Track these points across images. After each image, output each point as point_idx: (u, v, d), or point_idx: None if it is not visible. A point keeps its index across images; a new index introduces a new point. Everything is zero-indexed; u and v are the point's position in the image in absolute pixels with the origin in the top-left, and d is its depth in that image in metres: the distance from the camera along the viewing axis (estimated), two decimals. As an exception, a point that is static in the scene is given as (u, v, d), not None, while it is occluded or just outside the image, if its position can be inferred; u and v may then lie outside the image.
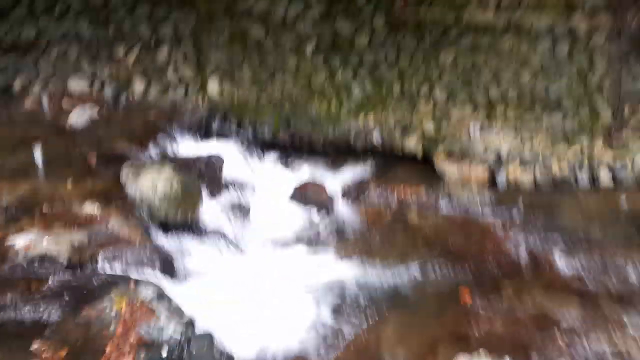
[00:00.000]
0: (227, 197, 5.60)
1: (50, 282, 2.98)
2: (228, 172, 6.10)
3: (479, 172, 6.81)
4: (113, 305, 2.74)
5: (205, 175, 5.44)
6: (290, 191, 6.17)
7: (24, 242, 3.24)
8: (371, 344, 3.94)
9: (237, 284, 4.27)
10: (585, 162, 6.84)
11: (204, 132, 6.97)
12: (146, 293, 2.96)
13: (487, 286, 4.67)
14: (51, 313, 2.71)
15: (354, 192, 6.58)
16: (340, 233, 5.67)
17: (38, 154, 4.90)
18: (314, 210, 5.96)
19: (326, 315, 4.21)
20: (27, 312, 2.73)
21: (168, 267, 3.93)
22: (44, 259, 3.14)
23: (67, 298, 2.85)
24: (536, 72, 6.99)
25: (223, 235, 4.82)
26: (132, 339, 2.62)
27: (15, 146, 5.36)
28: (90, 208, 3.96)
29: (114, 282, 3.04)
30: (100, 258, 3.43)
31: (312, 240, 5.43)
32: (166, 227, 4.37)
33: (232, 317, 3.87)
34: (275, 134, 7.45)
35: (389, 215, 6.11)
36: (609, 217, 6.13)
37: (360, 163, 7.14)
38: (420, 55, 7.20)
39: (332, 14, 7.55)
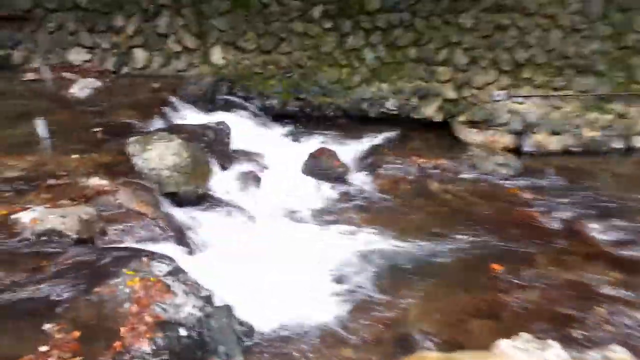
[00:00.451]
0: (237, 168, 5.32)
1: (60, 258, 2.74)
2: (237, 143, 5.82)
3: (504, 140, 6.51)
4: (126, 282, 2.51)
5: (214, 145, 5.15)
6: (303, 160, 5.88)
7: (31, 216, 2.99)
8: (398, 317, 3.67)
9: (251, 255, 4.03)
10: (620, 127, 6.51)
11: (209, 102, 6.66)
12: (160, 268, 2.72)
13: (517, 258, 4.37)
14: (62, 291, 2.48)
15: (370, 161, 6.30)
16: (356, 203, 5.38)
17: (41, 127, 4.63)
18: (328, 180, 5.69)
19: (347, 287, 3.95)
20: (37, 290, 2.50)
21: (181, 239, 3.69)
22: (52, 233, 2.90)
23: (78, 275, 2.61)
24: (567, 33, 6.55)
25: (235, 207, 4.57)
26: (148, 317, 2.39)
27: (18, 119, 5.10)
28: (98, 181, 3.70)
29: (126, 257, 2.80)
30: (110, 232, 3.20)
31: (326, 211, 5.14)
32: (177, 199, 4.12)
33: (250, 287, 3.65)
34: (284, 103, 7.17)
35: (408, 185, 5.82)
36: None
37: (375, 132, 6.87)
38: (438, 17, 6.77)
39: (342, -26, 7.11)
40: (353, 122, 7.20)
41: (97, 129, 4.74)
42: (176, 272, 2.81)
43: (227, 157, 5.39)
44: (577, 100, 6.54)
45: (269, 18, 7.01)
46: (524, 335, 2.99)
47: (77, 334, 2.23)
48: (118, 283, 2.52)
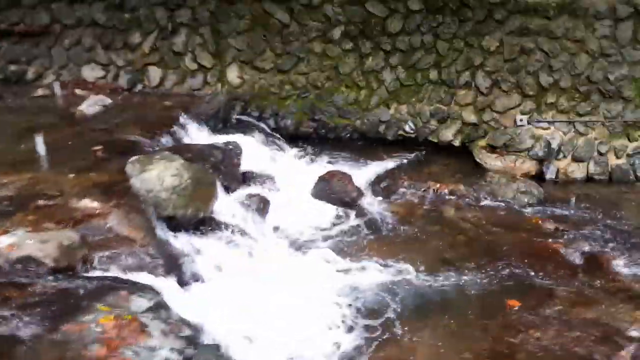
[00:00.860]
0: (245, 190, 5.10)
1: (31, 288, 2.52)
2: (247, 164, 5.61)
3: (525, 166, 6.22)
4: (98, 320, 2.26)
5: (222, 167, 4.95)
6: (314, 182, 5.64)
7: (9, 241, 2.80)
8: (404, 356, 3.40)
9: (253, 287, 3.77)
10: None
11: (222, 121, 6.53)
12: (140, 303, 2.47)
13: (537, 294, 4.09)
14: (26, 328, 2.24)
15: (385, 186, 6.03)
16: (369, 230, 5.12)
17: (41, 143, 4.51)
18: (340, 204, 5.41)
19: (351, 325, 3.68)
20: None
21: (174, 269, 3.45)
22: (28, 261, 2.70)
23: (47, 309, 2.38)
24: (594, 57, 6.24)
25: (239, 233, 4.32)
26: (117, 362, 2.13)
27: (21, 135, 5.01)
28: (90, 203, 3.50)
29: (104, 289, 2.56)
30: (94, 260, 2.97)
31: (338, 238, 4.90)
32: (174, 224, 3.89)
33: (248, 322, 3.41)
34: (298, 124, 7.00)
35: (424, 212, 5.55)
36: None
37: (392, 155, 6.63)
38: (462, 40, 6.53)
39: (363, -6, 6.96)
40: (369, 145, 6.99)
41: (98, 147, 4.58)
42: (157, 308, 2.56)
43: (235, 179, 5.17)
44: (603, 126, 6.19)
45: (288, 38, 6.89)
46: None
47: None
48: (89, 320, 2.28)
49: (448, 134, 6.61)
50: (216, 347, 2.94)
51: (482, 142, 6.44)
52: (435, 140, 6.70)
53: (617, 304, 3.97)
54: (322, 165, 6.36)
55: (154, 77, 7.19)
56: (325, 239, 4.83)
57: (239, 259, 4.03)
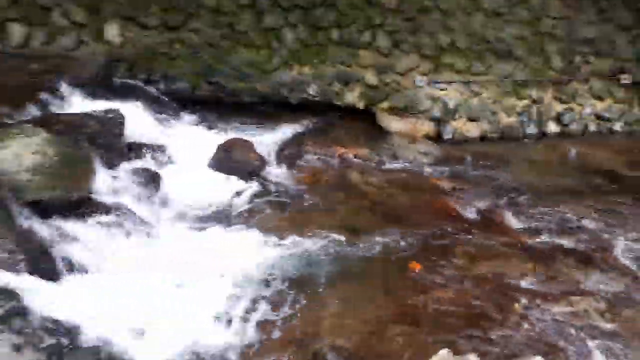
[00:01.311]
0: (132, 164, 4.56)
1: None
2: (133, 135, 5.03)
3: (424, 127, 6.32)
4: None
5: (100, 139, 4.34)
6: (212, 152, 5.22)
7: None
8: (309, 329, 3.31)
9: (141, 275, 3.39)
10: (535, 113, 6.52)
11: (103, 86, 5.73)
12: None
13: (437, 254, 4.21)
14: None
15: (289, 153, 5.79)
16: (272, 202, 4.87)
17: None
18: (241, 175, 5.08)
19: (253, 304, 3.47)
20: None
21: (40, 263, 2.94)
22: None
23: None
24: (488, 17, 6.36)
25: (124, 214, 3.84)
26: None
27: None
28: None
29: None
30: None
31: (238, 213, 4.59)
32: (42, 209, 3.32)
33: (135, 315, 3.06)
34: (193, 87, 6.40)
35: (329, 178, 5.45)
36: (559, 169, 5.99)
37: (296, 120, 6.38)
38: (362, -4, 6.30)
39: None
40: (272, 109, 6.65)
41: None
42: (10, 316, 2.11)
43: (118, 152, 4.59)
44: (495, 86, 6.42)
45: (176, -10, 6.18)
46: (443, 353, 2.77)
47: None
48: None
49: (351, 96, 6.47)
50: (95, 350, 2.58)
51: (385, 105, 6.39)
52: (340, 104, 6.53)
53: (509, 258, 4.20)
54: (221, 133, 5.94)
55: (16, 35, 6.13)
56: (225, 215, 4.50)
57: (124, 243, 3.58)
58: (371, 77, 6.44)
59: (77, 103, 5.16)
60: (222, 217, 4.45)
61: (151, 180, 4.45)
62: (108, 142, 4.46)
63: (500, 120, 6.52)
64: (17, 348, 2.00)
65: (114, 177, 4.17)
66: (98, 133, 4.36)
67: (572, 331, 3.39)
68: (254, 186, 5.02)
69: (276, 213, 4.68)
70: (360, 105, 6.52)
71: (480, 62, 6.42)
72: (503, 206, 5.03)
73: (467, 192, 5.25)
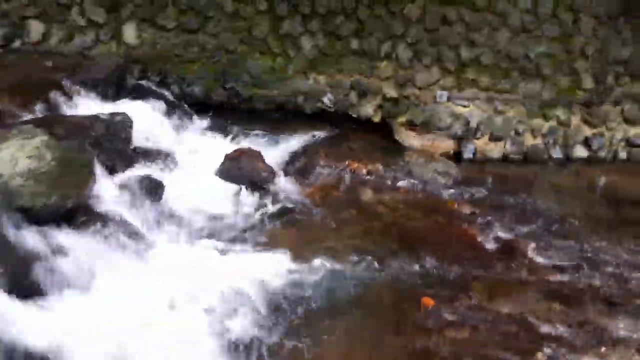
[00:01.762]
0: (136, 171, 4.43)
1: None
2: (142, 139, 4.92)
3: (444, 145, 6.04)
4: None
5: (105, 143, 4.22)
6: (221, 161, 5.06)
7: None
8: None
9: (135, 293, 3.22)
10: (561, 135, 6.20)
11: (116, 87, 5.66)
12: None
13: (452, 287, 3.92)
14: None
15: (300, 164, 5.60)
16: (279, 216, 4.70)
17: None
18: (249, 186, 4.90)
19: (252, 327, 3.30)
20: None
21: (24, 279, 2.80)
22: None
23: None
24: (515, 32, 6.06)
25: (122, 225, 3.69)
26: None
27: None
28: None
29: None
30: None
31: (243, 227, 4.42)
32: (33, 217, 3.18)
33: (122, 340, 2.88)
34: (208, 91, 6.28)
35: (340, 194, 5.21)
36: (587, 197, 5.62)
37: (310, 130, 6.15)
38: (383, 6, 6.08)
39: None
40: (286, 117, 6.45)
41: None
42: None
43: (123, 158, 4.47)
44: (521, 106, 6.12)
45: (195, -8, 6.07)
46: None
47: None
48: None
49: (368, 109, 6.26)
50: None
51: (402, 119, 6.16)
52: (355, 115, 6.32)
53: (532, 296, 3.89)
54: (232, 140, 5.80)
55: (35, 32, 6.11)
56: (227, 228, 4.33)
57: (118, 258, 3.42)
58: (390, 90, 6.22)
59: (87, 103, 5.08)
60: (224, 231, 4.28)
61: (154, 189, 4.29)
62: (114, 146, 4.35)
63: (525, 141, 6.21)
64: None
65: (115, 185, 4.03)
66: (104, 137, 4.24)
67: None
68: (260, 198, 4.85)
69: (281, 230, 4.49)
70: (377, 118, 6.31)
71: (505, 79, 6.12)
72: (526, 236, 4.66)
73: (487, 218, 4.90)
